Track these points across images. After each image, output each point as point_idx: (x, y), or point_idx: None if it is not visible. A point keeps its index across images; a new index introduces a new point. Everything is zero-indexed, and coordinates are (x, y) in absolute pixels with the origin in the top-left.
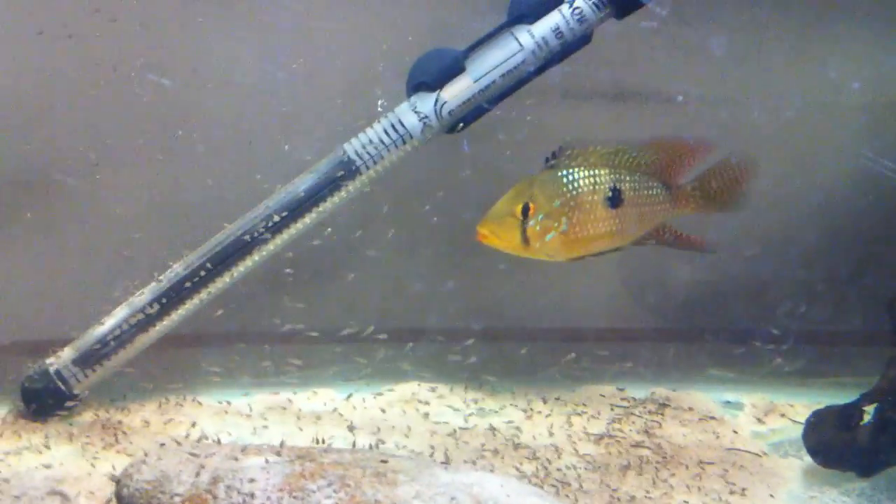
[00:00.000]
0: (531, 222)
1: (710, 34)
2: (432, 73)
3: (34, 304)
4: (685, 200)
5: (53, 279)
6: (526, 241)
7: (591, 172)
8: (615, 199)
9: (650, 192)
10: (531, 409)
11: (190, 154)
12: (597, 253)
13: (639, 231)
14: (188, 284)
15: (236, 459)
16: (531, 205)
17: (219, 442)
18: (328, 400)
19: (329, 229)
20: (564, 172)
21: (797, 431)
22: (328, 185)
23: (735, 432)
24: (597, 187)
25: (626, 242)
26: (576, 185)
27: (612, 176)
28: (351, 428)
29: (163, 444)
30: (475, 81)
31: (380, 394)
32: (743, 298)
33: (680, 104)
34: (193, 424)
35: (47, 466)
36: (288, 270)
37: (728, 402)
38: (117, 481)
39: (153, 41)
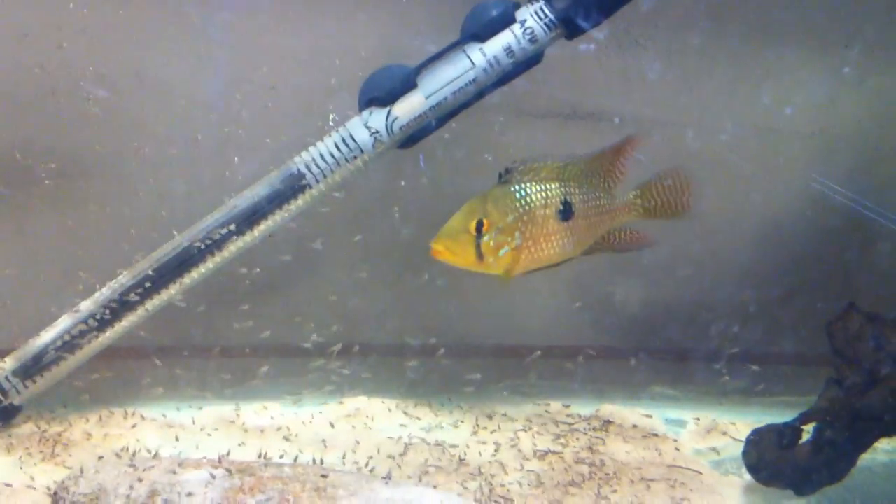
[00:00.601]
0: (485, 238)
1: (648, 59)
2: (384, 89)
3: None
4: (629, 208)
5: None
6: (480, 256)
7: (543, 186)
8: (566, 212)
9: (598, 202)
10: (477, 426)
11: (142, 166)
12: (548, 266)
13: (588, 241)
14: (132, 295)
15: (174, 473)
16: (485, 220)
17: (157, 455)
18: (274, 414)
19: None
20: (517, 187)
21: (738, 449)
22: (277, 198)
23: (677, 450)
24: (549, 201)
25: (576, 253)
26: (528, 199)
27: (562, 189)
28: (294, 442)
29: (101, 457)
30: (427, 98)
31: (326, 408)
32: (684, 317)
33: (619, 126)
34: (137, 439)
35: None
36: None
37: (671, 420)
38: (54, 494)
39: (104, 54)
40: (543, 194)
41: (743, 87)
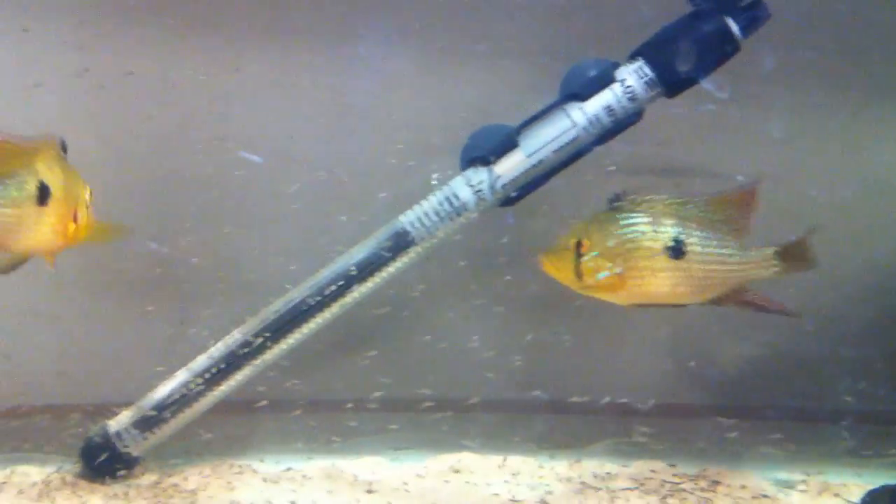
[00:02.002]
0: (584, 258)
1: (761, 114)
2: (486, 148)
3: (96, 366)
4: (765, 265)
5: (115, 342)
6: (579, 275)
7: (653, 220)
8: (677, 251)
9: (722, 249)
10: (582, 484)
11: (250, 225)
12: (660, 304)
13: (711, 290)
14: (245, 351)
15: None
16: (585, 241)
17: None
18: (378, 468)
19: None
20: (624, 215)
21: None
22: (383, 256)
23: None
24: (657, 235)
25: (697, 300)
26: (633, 228)
27: (677, 227)
28: (402, 497)
29: None
30: (528, 156)
31: (428, 463)
32: (798, 375)
33: (727, 179)
34: (251, 491)
35: None
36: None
37: (780, 481)
38: None
39: (218, 115)
40: (652, 227)
41: (863, 143)
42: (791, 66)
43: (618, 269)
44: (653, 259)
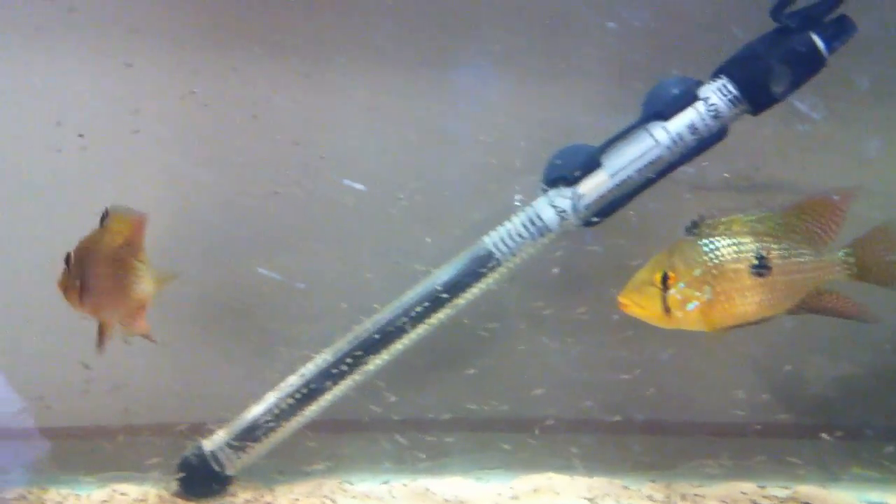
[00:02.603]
0: (671, 291)
1: (849, 129)
2: (569, 168)
3: (190, 387)
4: (837, 266)
5: (209, 364)
6: (667, 310)
7: (734, 241)
8: (761, 268)
9: (799, 259)
10: None
11: (332, 245)
12: (745, 324)
13: (791, 300)
14: (334, 371)
15: None
16: (671, 273)
17: None
18: (465, 488)
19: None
20: (705, 241)
21: None
22: (468, 277)
23: None
24: (740, 255)
25: (778, 312)
26: (717, 253)
27: (756, 244)
28: None
29: None
30: (611, 176)
31: (514, 483)
32: (884, 393)
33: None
34: None
35: None
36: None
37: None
38: None
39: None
40: (735, 248)
41: None
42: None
43: (706, 297)
44: (739, 280)
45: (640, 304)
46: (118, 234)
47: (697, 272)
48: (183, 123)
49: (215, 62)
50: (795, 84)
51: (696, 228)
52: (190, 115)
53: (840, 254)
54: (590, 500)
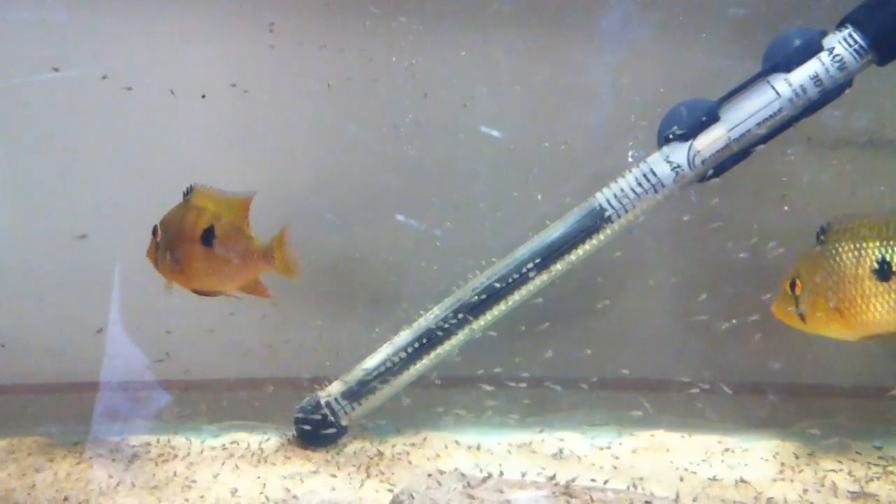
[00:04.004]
0: (801, 298)
1: None
2: (686, 123)
3: (309, 343)
4: None
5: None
6: (802, 317)
7: (856, 245)
8: (884, 272)
9: None
10: (782, 465)
11: (445, 205)
12: (886, 333)
13: None
14: (445, 326)
15: (502, 492)
16: (798, 281)
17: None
18: (572, 444)
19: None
20: (828, 247)
21: None
22: (580, 234)
23: None
24: (861, 260)
25: None
26: (837, 258)
27: (880, 247)
28: (593, 470)
29: (430, 475)
30: (729, 130)
31: (623, 439)
32: None
33: None
34: (449, 461)
35: (319, 491)
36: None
37: None
38: None
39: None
40: (855, 253)
41: None
42: None
43: (832, 304)
44: (861, 285)
45: (781, 311)
46: (203, 210)
47: (818, 278)
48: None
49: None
50: None
51: (823, 234)
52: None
53: None
54: (702, 459)
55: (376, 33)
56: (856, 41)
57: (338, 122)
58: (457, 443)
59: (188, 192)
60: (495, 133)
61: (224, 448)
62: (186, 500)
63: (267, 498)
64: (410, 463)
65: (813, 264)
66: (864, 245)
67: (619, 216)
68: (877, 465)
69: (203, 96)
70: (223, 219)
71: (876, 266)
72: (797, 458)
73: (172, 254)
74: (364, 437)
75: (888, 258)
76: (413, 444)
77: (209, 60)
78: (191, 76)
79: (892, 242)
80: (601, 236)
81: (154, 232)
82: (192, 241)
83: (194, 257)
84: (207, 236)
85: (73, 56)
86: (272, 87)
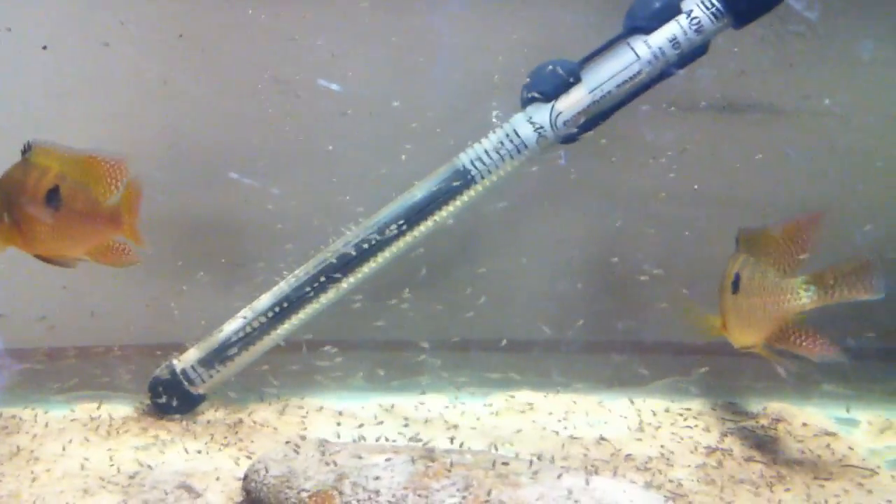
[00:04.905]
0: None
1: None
2: (548, 84)
3: (160, 308)
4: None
5: (177, 284)
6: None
7: (734, 257)
8: (736, 285)
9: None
10: (641, 421)
11: (321, 163)
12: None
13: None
14: (307, 290)
15: (360, 458)
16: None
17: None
18: (436, 406)
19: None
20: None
21: None
22: (444, 195)
23: (851, 449)
24: (729, 272)
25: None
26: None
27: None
28: (459, 433)
29: (288, 442)
30: (590, 92)
31: (485, 401)
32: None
33: (788, 116)
34: (310, 427)
35: (174, 462)
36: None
37: (842, 419)
38: (245, 476)
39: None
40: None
41: None
42: None
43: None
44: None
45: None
46: (46, 169)
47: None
48: None
49: None
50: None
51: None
52: None
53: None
54: (560, 418)
55: None
56: (713, 4)
57: (191, 76)
58: (320, 408)
59: (27, 150)
60: (334, 87)
61: (73, 420)
62: (32, 473)
63: (118, 470)
64: (272, 430)
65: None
66: (736, 258)
67: (482, 177)
68: (731, 420)
69: (45, 48)
70: (69, 178)
71: (733, 279)
72: (654, 415)
73: (12, 216)
74: (223, 405)
75: (739, 272)
76: (274, 411)
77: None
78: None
79: (748, 257)
80: (465, 197)
81: None
82: (34, 203)
83: (37, 220)
84: (52, 197)
85: None
86: (123, 38)
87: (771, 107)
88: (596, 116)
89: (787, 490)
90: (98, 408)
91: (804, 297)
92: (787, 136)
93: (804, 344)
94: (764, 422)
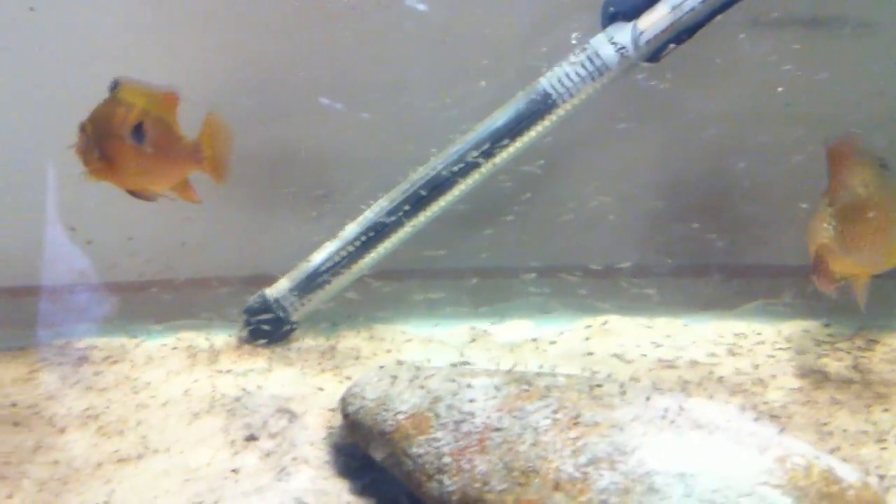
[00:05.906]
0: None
1: None
2: (629, 3)
3: (253, 241)
4: None
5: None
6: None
7: None
8: None
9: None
10: (734, 344)
11: (392, 93)
12: None
13: None
14: (393, 218)
15: (454, 381)
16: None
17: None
18: (525, 331)
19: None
20: None
21: None
22: (525, 119)
23: None
24: None
25: None
26: None
27: None
28: (547, 357)
29: (382, 367)
30: (672, 9)
31: (573, 327)
32: None
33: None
34: (403, 352)
35: (272, 387)
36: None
37: None
38: (342, 399)
39: None
40: None
41: None
42: None
43: None
44: None
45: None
46: (132, 106)
47: None
48: None
49: None
50: None
51: None
52: None
53: None
54: (654, 342)
55: None
56: None
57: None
58: (409, 335)
59: (114, 87)
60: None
61: (174, 348)
62: (137, 399)
63: (221, 395)
64: (363, 356)
65: None
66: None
67: (563, 100)
68: (826, 342)
69: None
70: (152, 114)
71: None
72: (745, 337)
73: (101, 151)
74: (316, 332)
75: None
76: (367, 338)
77: None
78: None
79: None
80: (546, 122)
81: (82, 128)
82: (121, 138)
83: (124, 154)
84: (137, 133)
85: None
86: None
87: (861, 20)
88: (680, 33)
89: (886, 410)
90: (196, 337)
91: None
92: (878, 51)
93: None
94: (860, 343)
